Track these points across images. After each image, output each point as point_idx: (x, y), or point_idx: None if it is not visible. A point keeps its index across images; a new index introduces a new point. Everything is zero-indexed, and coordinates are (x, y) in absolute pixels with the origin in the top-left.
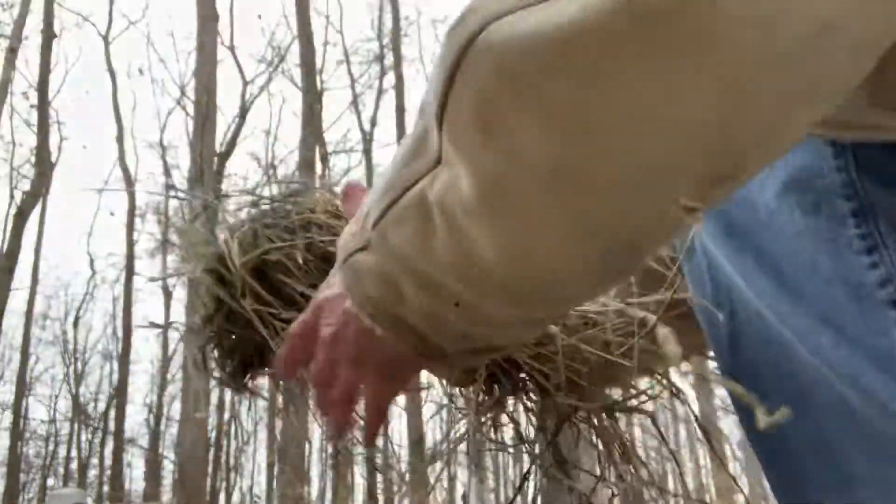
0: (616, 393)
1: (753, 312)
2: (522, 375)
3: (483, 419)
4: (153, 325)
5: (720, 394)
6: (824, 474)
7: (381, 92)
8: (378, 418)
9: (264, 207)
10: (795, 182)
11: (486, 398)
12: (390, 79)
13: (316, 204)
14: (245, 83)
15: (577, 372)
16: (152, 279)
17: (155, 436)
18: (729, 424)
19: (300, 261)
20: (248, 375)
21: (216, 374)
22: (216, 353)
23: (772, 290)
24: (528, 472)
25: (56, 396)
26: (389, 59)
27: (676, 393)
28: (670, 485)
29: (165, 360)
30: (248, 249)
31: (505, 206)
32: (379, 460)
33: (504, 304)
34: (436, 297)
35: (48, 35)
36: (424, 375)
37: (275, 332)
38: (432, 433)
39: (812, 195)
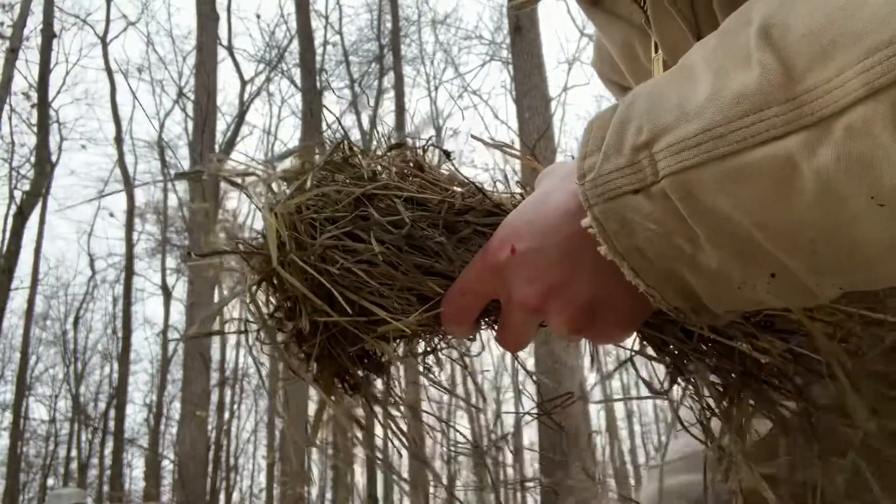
0: None
1: None
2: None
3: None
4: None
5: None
6: None
7: (380, 92)
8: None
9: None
10: None
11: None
12: (390, 78)
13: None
14: (243, 83)
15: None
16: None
17: (155, 436)
18: None
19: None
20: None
21: (304, 373)
22: (297, 349)
23: None
24: None
25: (56, 396)
26: (389, 60)
27: None
28: None
29: (165, 360)
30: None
31: None
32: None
33: (837, 283)
34: (749, 264)
35: (48, 35)
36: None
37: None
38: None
39: None
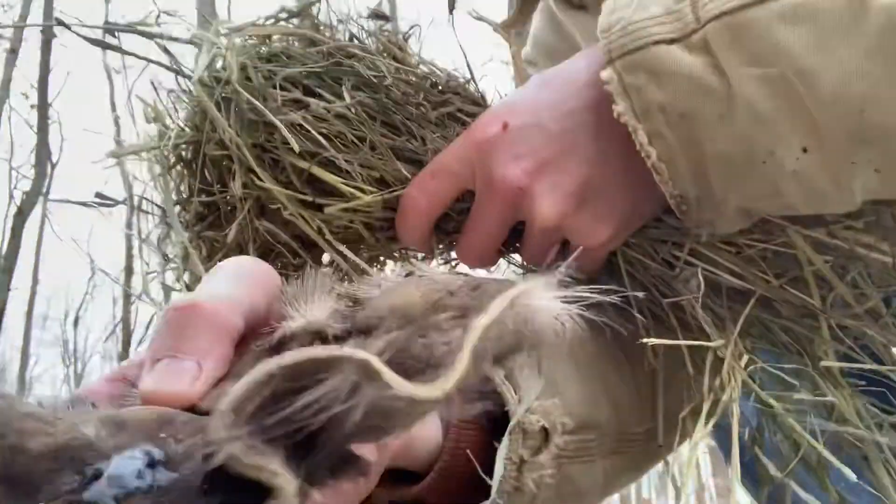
0: None
1: None
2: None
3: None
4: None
5: None
6: None
7: None
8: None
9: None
10: None
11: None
12: None
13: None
14: None
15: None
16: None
17: None
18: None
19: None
20: None
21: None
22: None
23: None
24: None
25: (56, 397)
26: None
27: None
28: None
29: None
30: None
31: None
32: None
33: (872, 158)
34: (782, 128)
35: (48, 35)
36: None
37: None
38: None
39: None
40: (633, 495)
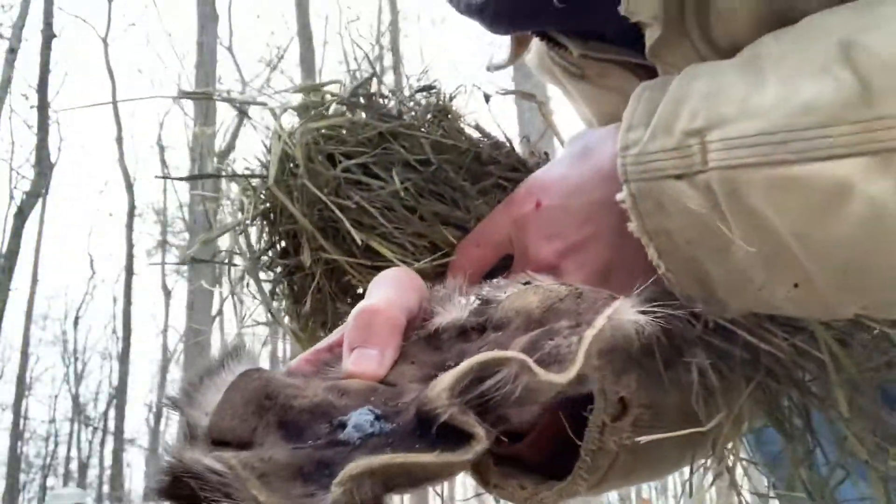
0: None
1: None
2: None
3: None
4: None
5: None
6: None
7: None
8: None
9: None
10: None
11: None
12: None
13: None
14: (244, 83)
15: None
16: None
17: (155, 436)
18: None
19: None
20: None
21: (289, 325)
22: (285, 300)
23: None
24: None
25: (56, 396)
26: (389, 59)
27: None
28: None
29: (165, 360)
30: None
31: None
32: None
33: (859, 303)
34: (776, 269)
35: (48, 35)
36: None
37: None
38: None
39: None
40: (633, 495)
